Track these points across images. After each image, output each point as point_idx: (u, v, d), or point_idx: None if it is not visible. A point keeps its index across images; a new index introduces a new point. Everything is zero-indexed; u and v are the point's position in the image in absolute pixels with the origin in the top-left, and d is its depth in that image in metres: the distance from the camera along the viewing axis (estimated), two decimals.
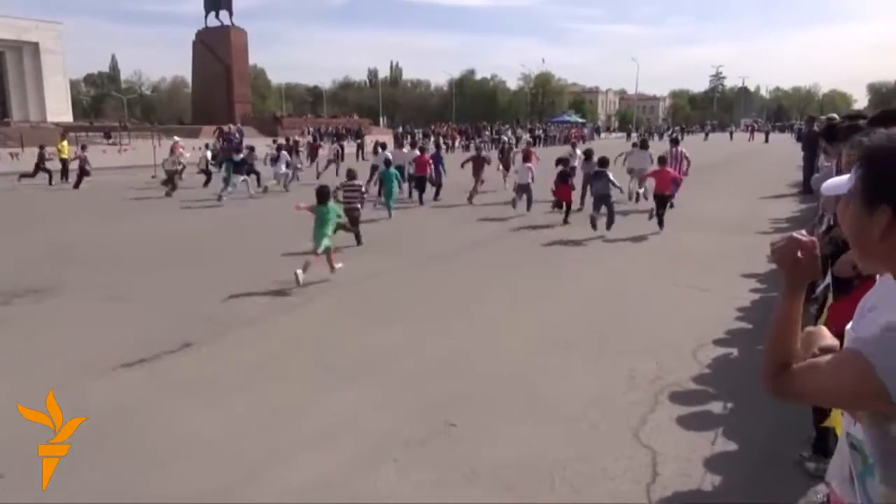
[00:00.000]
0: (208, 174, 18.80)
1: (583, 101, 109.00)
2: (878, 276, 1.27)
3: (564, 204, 12.23)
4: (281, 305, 6.78)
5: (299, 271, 7.30)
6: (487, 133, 47.94)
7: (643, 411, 4.15)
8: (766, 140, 53.64)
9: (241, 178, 16.41)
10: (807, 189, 14.49)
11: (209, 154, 19.96)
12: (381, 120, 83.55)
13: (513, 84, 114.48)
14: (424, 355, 5.27)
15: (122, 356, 5.14)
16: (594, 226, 10.80)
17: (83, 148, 20.18)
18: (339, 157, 21.48)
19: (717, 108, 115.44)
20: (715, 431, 3.91)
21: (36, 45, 55.02)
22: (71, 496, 3.17)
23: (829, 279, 3.29)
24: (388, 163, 13.95)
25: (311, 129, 49.05)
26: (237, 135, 30.57)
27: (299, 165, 19.93)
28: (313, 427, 3.99)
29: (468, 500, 3.22)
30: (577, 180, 13.35)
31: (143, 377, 4.84)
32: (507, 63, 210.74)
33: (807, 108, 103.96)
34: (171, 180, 16.98)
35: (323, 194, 7.92)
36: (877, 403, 1.08)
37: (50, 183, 19.24)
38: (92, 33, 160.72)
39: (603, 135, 65.57)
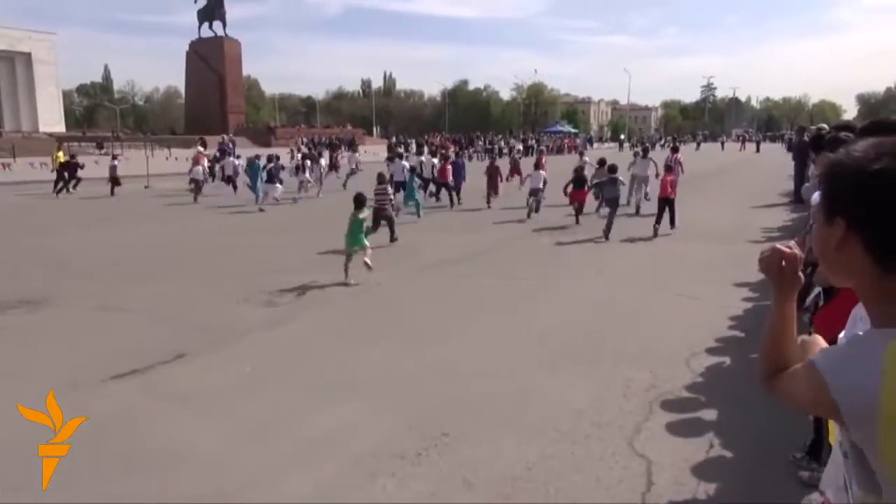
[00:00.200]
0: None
1: (575, 111, 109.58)
2: None
3: (578, 205, 13.42)
4: (276, 316, 6.76)
5: (350, 267, 8.05)
6: (481, 143, 48.12)
7: (637, 420, 4.17)
8: (758, 150, 53.99)
9: (276, 185, 16.76)
10: (798, 199, 14.60)
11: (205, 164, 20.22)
12: (374, 130, 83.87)
13: (506, 94, 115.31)
14: (420, 365, 5.26)
15: (114, 367, 5.12)
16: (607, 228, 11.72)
17: (114, 157, 21.37)
18: (357, 166, 22.82)
19: (709, 118, 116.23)
20: (709, 439, 3.92)
21: (28, 55, 54.99)
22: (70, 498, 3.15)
23: (819, 288, 3.32)
24: (413, 170, 15.23)
25: (305, 140, 49.07)
26: (230, 145, 30.54)
27: (321, 174, 20.50)
28: (308, 438, 3.98)
29: None
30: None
31: (134, 388, 4.81)
32: (501, 74, 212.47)
33: (797, 118, 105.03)
34: (198, 187, 18.14)
35: (360, 200, 8.48)
36: (834, 416, 1.11)
37: (67, 191, 19.61)
38: (85, 43, 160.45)
39: (596, 145, 65.82)
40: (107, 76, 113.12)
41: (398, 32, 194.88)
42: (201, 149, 20.84)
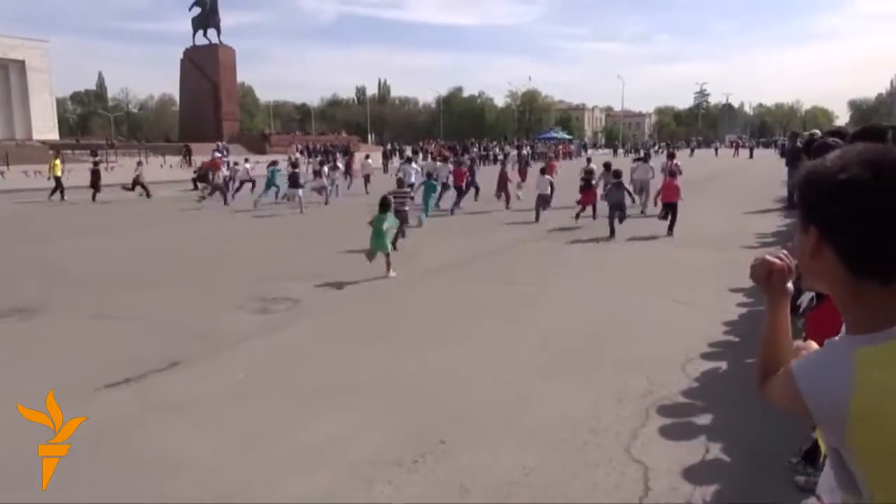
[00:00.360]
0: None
1: (569, 117, 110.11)
2: None
3: (588, 206, 14.22)
4: (272, 322, 6.74)
5: (391, 272, 8.49)
6: (475, 150, 48.16)
7: (634, 426, 4.17)
8: (751, 156, 54.27)
9: (299, 190, 17.17)
10: (791, 204, 14.67)
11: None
12: (369, 137, 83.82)
13: (500, 101, 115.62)
14: (419, 371, 5.25)
15: (107, 376, 5.09)
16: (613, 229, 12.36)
17: (139, 164, 22.06)
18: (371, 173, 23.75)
19: (702, 124, 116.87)
20: (705, 445, 3.93)
21: (22, 63, 54.78)
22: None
23: (812, 292, 3.34)
24: (429, 175, 16.12)
25: (300, 146, 49.04)
26: (224, 151, 30.55)
27: (336, 181, 21.09)
28: (304, 445, 3.96)
29: None
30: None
31: (128, 397, 4.79)
32: (495, 81, 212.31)
33: (789, 124, 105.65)
34: (220, 191, 19.00)
35: (385, 204, 8.89)
36: (812, 420, 1.14)
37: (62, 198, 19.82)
38: (79, 51, 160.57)
39: (590, 151, 66.04)
40: (101, 84, 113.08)
41: (393, 40, 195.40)
42: (218, 154, 21.33)
